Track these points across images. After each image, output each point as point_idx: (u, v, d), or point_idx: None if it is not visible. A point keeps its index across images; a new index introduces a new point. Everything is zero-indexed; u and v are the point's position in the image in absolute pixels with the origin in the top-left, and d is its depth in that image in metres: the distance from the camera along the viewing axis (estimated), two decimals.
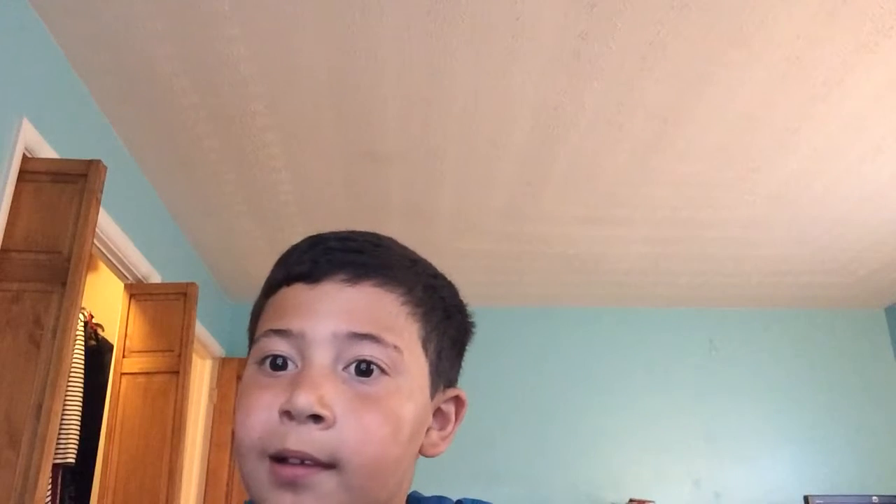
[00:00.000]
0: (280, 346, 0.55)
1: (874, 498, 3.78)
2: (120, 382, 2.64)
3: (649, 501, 3.90)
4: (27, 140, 1.96)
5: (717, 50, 2.17)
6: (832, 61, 2.23)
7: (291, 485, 0.51)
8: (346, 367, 0.54)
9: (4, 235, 1.83)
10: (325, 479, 0.51)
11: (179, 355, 2.65)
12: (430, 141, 2.67)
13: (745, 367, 4.33)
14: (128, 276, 2.79)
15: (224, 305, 4.20)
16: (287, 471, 0.51)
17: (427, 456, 0.59)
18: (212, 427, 3.85)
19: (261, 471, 0.52)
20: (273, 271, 0.60)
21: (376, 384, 0.53)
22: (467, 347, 0.65)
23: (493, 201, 3.14)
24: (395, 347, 0.55)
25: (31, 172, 1.92)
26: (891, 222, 3.31)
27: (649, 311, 4.44)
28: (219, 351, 3.98)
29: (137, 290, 2.80)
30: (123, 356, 2.68)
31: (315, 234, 0.60)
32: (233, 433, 0.56)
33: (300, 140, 2.66)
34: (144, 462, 2.51)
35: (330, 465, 0.51)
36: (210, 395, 3.91)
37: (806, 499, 3.78)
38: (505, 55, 2.20)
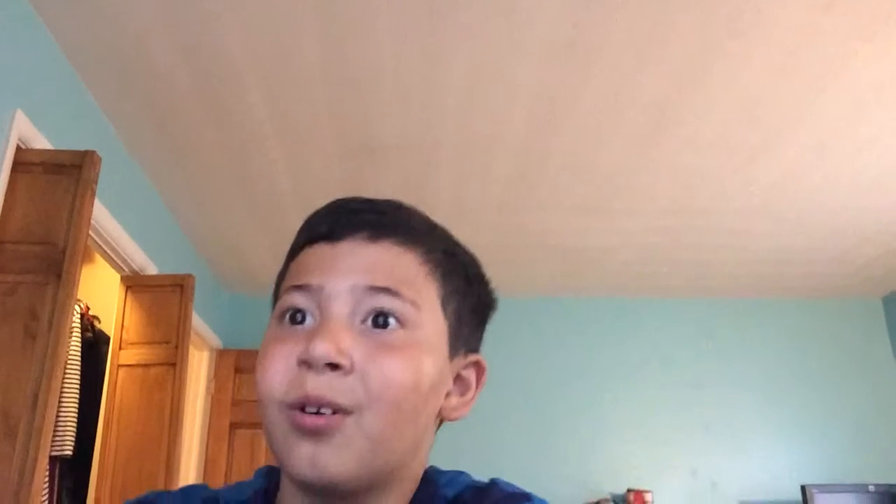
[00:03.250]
0: (299, 301, 0.55)
1: (871, 486, 3.79)
2: (117, 374, 2.64)
3: (647, 491, 3.91)
4: (21, 131, 1.94)
5: (715, 41, 2.16)
6: (830, 51, 2.22)
7: (312, 433, 0.51)
8: (363, 321, 0.54)
9: None
10: (345, 428, 0.51)
11: (176, 347, 2.65)
12: (427, 133, 2.65)
13: (743, 356, 4.34)
14: (124, 267, 2.78)
15: (221, 297, 4.19)
16: (308, 420, 0.51)
17: (449, 419, 0.60)
18: (209, 418, 3.85)
19: (281, 421, 0.52)
20: (296, 236, 0.62)
21: (394, 335, 0.54)
22: (489, 319, 0.65)
23: (491, 193, 3.13)
24: (413, 303, 0.55)
25: (26, 164, 1.91)
26: (889, 212, 3.31)
27: (647, 302, 4.45)
28: (216, 342, 3.97)
29: (134, 282, 2.80)
30: (120, 348, 2.68)
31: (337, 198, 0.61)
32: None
33: (296, 132, 2.64)
34: (142, 454, 2.51)
35: (349, 412, 0.51)
36: (207, 387, 3.91)
37: (803, 488, 3.79)
38: (501, 47, 2.18)
